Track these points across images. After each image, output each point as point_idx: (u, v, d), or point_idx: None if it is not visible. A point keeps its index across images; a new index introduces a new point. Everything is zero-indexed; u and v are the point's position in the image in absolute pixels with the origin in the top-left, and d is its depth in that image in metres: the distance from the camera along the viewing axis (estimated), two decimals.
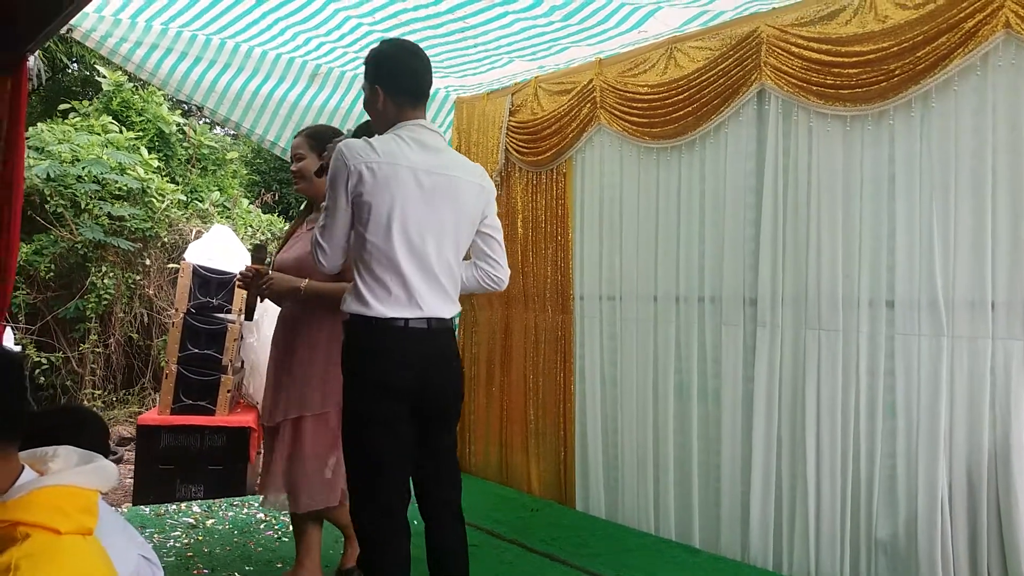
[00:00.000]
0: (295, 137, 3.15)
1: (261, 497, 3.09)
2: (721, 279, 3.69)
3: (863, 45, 3.13)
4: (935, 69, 2.95)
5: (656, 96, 3.91)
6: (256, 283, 2.98)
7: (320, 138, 2.98)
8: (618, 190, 4.20)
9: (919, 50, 2.97)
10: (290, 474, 2.97)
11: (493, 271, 2.58)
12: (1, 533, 1.21)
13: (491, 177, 4.78)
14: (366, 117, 2.64)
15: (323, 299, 2.90)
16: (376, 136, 2.45)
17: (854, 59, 3.15)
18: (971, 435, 2.90)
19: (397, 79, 2.50)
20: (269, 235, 8.27)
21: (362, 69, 2.56)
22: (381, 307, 2.34)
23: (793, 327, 3.42)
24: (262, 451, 5.84)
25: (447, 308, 2.43)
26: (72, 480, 1.29)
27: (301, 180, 3.10)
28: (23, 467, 1.30)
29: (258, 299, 3.05)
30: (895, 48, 3.03)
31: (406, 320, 2.36)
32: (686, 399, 3.83)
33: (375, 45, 2.59)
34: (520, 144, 4.69)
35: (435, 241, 2.39)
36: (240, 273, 3.05)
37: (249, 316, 3.06)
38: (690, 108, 3.76)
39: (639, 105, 4.00)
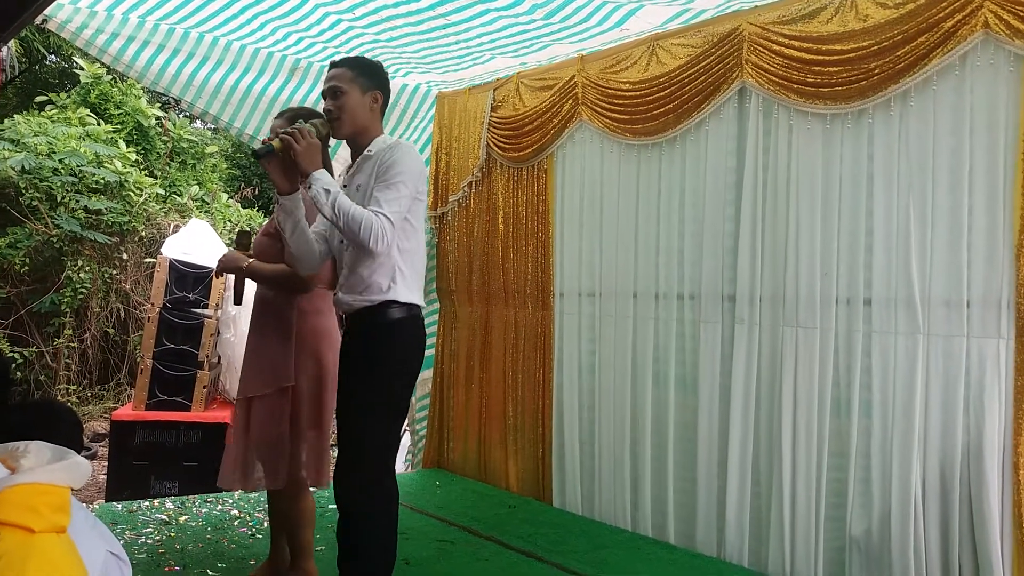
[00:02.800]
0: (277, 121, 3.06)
1: (237, 491, 3.09)
2: (700, 276, 3.70)
3: (844, 44, 3.14)
4: (914, 68, 2.96)
5: (638, 93, 3.91)
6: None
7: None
8: (599, 186, 4.19)
9: (899, 49, 2.99)
10: (245, 453, 2.99)
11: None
12: None
13: (472, 173, 4.84)
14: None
15: (262, 278, 3.01)
16: (406, 142, 2.67)
17: (835, 57, 3.16)
18: (945, 433, 2.92)
19: (388, 87, 2.77)
20: (248, 229, 8.20)
21: None
22: (419, 296, 2.67)
23: (771, 324, 3.43)
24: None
25: None
26: (45, 477, 1.27)
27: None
28: None
29: (243, 283, 3.10)
30: (875, 47, 3.05)
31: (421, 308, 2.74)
32: (664, 396, 3.83)
33: (362, 53, 2.72)
34: (501, 140, 4.68)
35: None
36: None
37: (237, 300, 3.13)
38: (671, 105, 3.76)
39: (621, 102, 4.00)
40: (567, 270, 4.36)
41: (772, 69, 3.36)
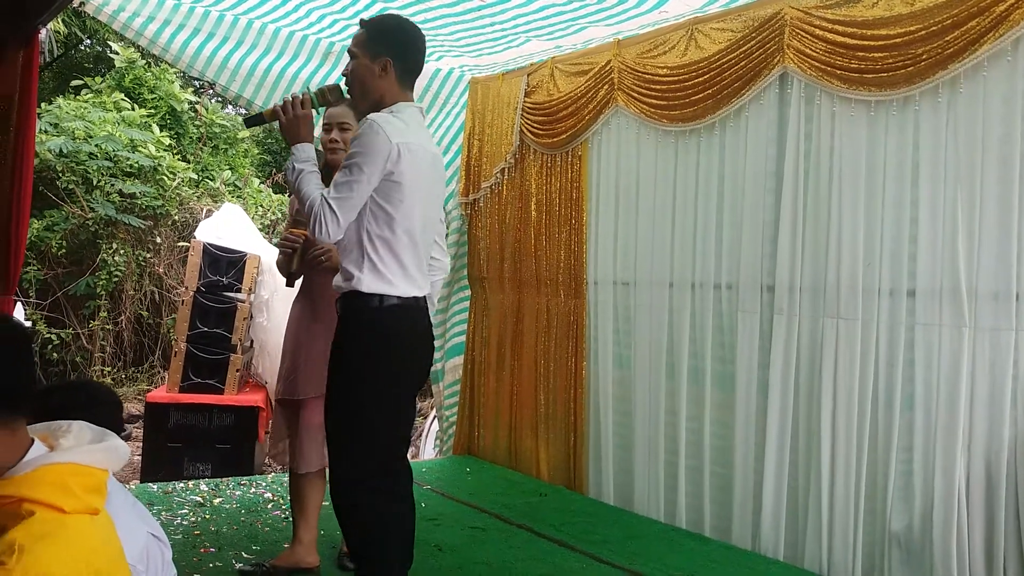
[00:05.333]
0: (328, 107, 2.96)
1: (269, 472, 3.10)
2: (738, 265, 3.63)
3: (889, 29, 3.05)
4: (964, 54, 2.87)
5: (675, 78, 3.84)
6: (306, 250, 2.97)
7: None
8: (634, 174, 4.14)
9: (948, 34, 2.90)
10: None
11: (441, 256, 2.82)
12: (6, 509, 1.17)
13: (505, 159, 4.80)
14: None
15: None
16: (388, 113, 2.42)
17: (880, 43, 3.08)
18: (991, 429, 2.85)
19: (409, 54, 2.50)
20: (280, 215, 8.24)
21: None
22: (401, 286, 2.41)
23: (811, 315, 3.36)
24: (271, 430, 5.87)
25: (427, 289, 2.57)
26: (81, 458, 1.26)
27: (341, 151, 2.98)
28: (32, 441, 1.26)
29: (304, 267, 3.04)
30: (923, 32, 2.96)
31: (416, 299, 2.46)
32: (700, 387, 3.78)
33: (376, 16, 2.55)
34: (535, 126, 4.63)
35: (430, 226, 2.55)
36: (285, 237, 3.04)
37: (291, 283, 3.07)
38: (710, 91, 3.69)
39: (658, 87, 3.93)
40: (601, 258, 4.31)
41: (814, 54, 3.28)
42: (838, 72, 3.21)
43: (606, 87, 4.19)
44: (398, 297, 2.39)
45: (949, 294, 2.95)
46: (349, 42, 4.39)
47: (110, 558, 1.23)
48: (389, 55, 2.43)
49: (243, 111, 9.33)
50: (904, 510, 3.06)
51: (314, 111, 2.57)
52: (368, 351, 2.38)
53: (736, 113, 3.65)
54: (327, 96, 2.57)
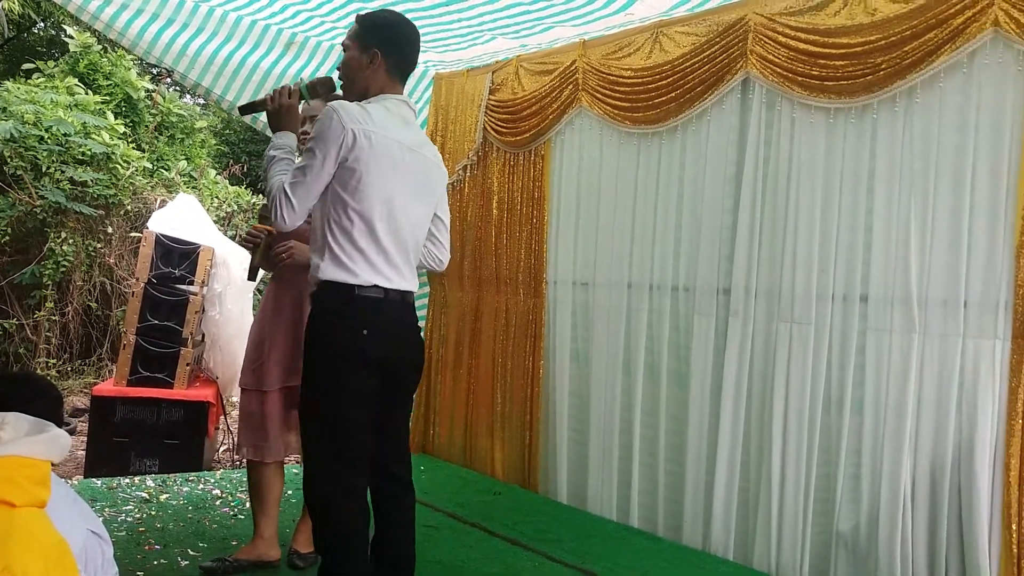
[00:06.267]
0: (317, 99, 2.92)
1: (218, 468, 3.06)
2: (696, 268, 3.67)
3: (851, 37, 3.11)
4: (921, 64, 2.94)
5: (639, 80, 3.87)
6: (268, 246, 2.96)
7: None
8: (596, 174, 4.16)
9: (906, 44, 2.96)
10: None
11: (439, 252, 2.67)
12: None
13: (468, 156, 4.79)
14: None
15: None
16: (358, 103, 2.40)
17: (841, 51, 3.13)
18: (937, 433, 2.91)
19: (400, 48, 2.51)
20: (236, 207, 8.10)
21: (339, 39, 2.49)
22: (364, 275, 2.34)
23: (766, 319, 3.41)
24: (221, 426, 5.75)
25: (414, 283, 2.49)
26: (24, 450, 1.23)
27: None
28: None
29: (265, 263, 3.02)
30: (882, 42, 3.01)
31: (385, 290, 2.39)
32: (655, 387, 3.81)
33: (370, 9, 2.53)
34: (499, 124, 4.62)
35: (409, 218, 2.44)
36: (248, 233, 3.02)
37: (252, 277, 3.06)
38: (673, 94, 3.72)
39: (622, 89, 3.95)
40: (561, 258, 4.32)
41: (777, 61, 3.32)
42: (799, 79, 3.26)
43: (570, 87, 4.20)
44: (361, 286, 2.33)
45: (900, 301, 3.01)
46: (312, 33, 4.34)
47: (60, 550, 1.21)
48: (378, 47, 2.44)
49: (201, 100, 9.17)
50: (852, 511, 3.11)
51: (304, 103, 2.59)
52: (332, 341, 2.34)
53: (698, 117, 3.68)
54: (318, 89, 2.59)
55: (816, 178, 3.25)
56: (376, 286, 2.35)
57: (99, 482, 4.22)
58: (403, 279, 2.42)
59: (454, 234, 4.90)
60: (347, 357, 2.33)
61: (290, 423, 3.05)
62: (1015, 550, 2.68)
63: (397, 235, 2.40)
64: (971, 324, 2.85)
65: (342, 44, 2.54)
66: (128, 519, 3.61)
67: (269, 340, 3.07)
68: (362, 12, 2.57)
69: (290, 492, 3.91)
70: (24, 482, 1.20)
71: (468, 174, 4.85)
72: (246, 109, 2.71)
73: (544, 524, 3.81)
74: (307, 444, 2.42)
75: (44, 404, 1.57)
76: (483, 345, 4.73)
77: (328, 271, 2.33)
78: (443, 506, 3.98)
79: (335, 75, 2.56)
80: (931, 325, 2.94)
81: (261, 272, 3.10)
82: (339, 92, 2.59)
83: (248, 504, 3.39)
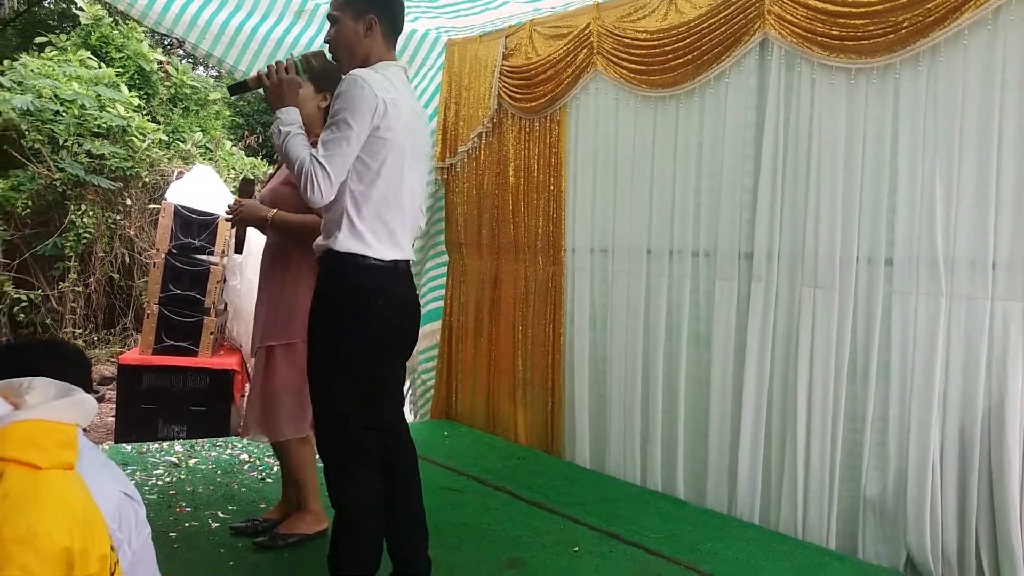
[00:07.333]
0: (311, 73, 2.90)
1: (245, 434, 3.11)
2: (717, 233, 3.64)
3: None
4: (945, 22, 2.88)
5: (655, 43, 3.81)
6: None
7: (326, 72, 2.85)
8: (613, 139, 4.12)
9: (929, 2, 2.89)
10: (264, 404, 3.00)
11: (421, 220, 2.72)
12: None
13: (483, 123, 4.76)
14: None
15: (290, 229, 2.95)
16: (371, 70, 2.38)
17: (862, 9, 3.07)
18: (965, 396, 2.89)
19: (392, 12, 2.50)
20: (253, 178, 8.11)
21: None
22: (382, 248, 2.38)
23: (789, 283, 3.39)
24: (245, 394, 5.84)
25: (410, 253, 2.53)
26: (49, 414, 1.25)
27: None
28: None
29: (246, 231, 3.07)
30: None
31: (398, 262, 2.43)
32: (676, 353, 3.80)
33: None
34: (513, 89, 4.58)
35: (414, 187, 2.48)
36: (229, 207, 3.07)
37: (238, 249, 3.09)
38: (690, 56, 3.67)
39: (637, 52, 3.90)
40: (579, 225, 4.30)
41: (795, 20, 3.27)
42: (819, 39, 3.21)
43: (585, 51, 4.15)
44: (375, 259, 2.36)
45: (927, 263, 2.98)
46: (320, 0, 4.26)
47: (88, 512, 1.22)
48: (373, 12, 2.41)
49: (214, 72, 9.14)
50: (879, 476, 3.11)
51: (298, 77, 2.55)
52: (339, 312, 2.36)
53: (716, 79, 3.63)
54: (311, 62, 2.56)
55: (838, 140, 3.21)
56: (391, 260, 2.39)
57: (129, 447, 4.32)
58: (408, 249, 2.48)
59: (470, 203, 4.93)
60: (364, 325, 2.35)
61: None
62: None
63: (411, 205, 2.45)
64: (999, 286, 2.82)
65: (328, 16, 2.47)
66: (159, 483, 3.70)
67: (256, 307, 3.13)
68: None
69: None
70: (49, 445, 1.22)
71: (483, 141, 4.82)
72: (236, 88, 2.66)
73: (568, 488, 3.85)
74: (317, 411, 2.46)
75: (72, 370, 1.59)
76: (503, 313, 4.74)
77: (345, 242, 2.33)
78: (467, 470, 4.03)
79: (325, 48, 2.53)
80: (958, 287, 2.92)
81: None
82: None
83: (276, 468, 3.45)
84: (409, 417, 5.51)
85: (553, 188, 4.42)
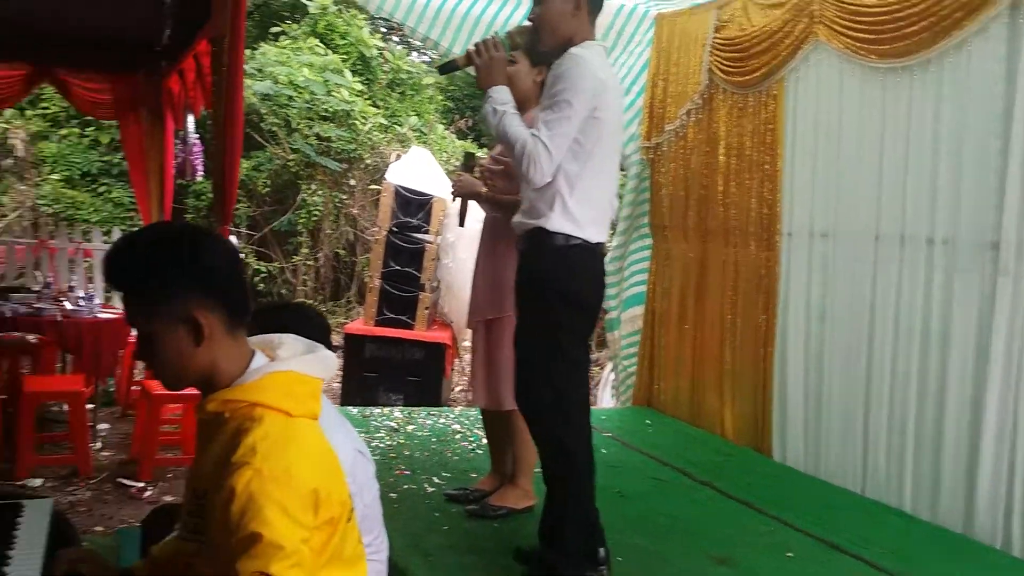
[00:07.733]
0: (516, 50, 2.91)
1: (457, 408, 3.27)
2: (957, 219, 3.26)
3: None
4: None
5: (885, 8, 3.46)
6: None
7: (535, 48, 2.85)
8: (837, 114, 3.80)
9: None
10: (487, 375, 3.12)
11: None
12: (240, 413, 1.28)
13: (692, 100, 4.60)
14: None
15: (501, 206, 3.03)
16: (586, 50, 2.39)
17: None
18: None
19: None
20: (473, 152, 8.42)
21: None
22: (591, 229, 2.42)
23: None
24: (455, 367, 6.14)
25: (606, 235, 2.61)
26: (299, 367, 1.35)
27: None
28: (254, 352, 1.37)
29: (467, 205, 3.22)
30: None
31: (600, 244, 2.50)
32: (906, 352, 3.46)
33: None
34: (725, 63, 4.38)
35: (617, 169, 2.57)
36: (454, 183, 3.25)
37: (461, 222, 3.25)
38: (926, 22, 3.29)
39: (865, 19, 3.57)
40: (797, 207, 4.03)
41: None
42: None
43: (805, 20, 3.87)
44: (583, 239, 2.39)
45: None
46: None
47: (331, 460, 1.32)
48: None
49: (428, 57, 9.53)
50: None
51: (508, 54, 2.57)
52: (546, 290, 2.41)
53: (957, 48, 3.24)
54: (515, 39, 2.57)
55: None
56: (596, 242, 2.45)
57: (355, 410, 4.67)
58: (607, 231, 2.55)
59: (677, 184, 4.80)
60: (580, 305, 2.44)
61: None
62: None
63: (610, 187, 2.50)
64: None
65: None
66: (380, 445, 3.95)
67: (472, 282, 3.28)
68: None
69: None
70: (300, 395, 1.32)
71: (692, 119, 4.65)
72: (446, 68, 2.72)
73: (780, 490, 3.66)
74: (527, 380, 2.51)
75: (316, 330, 1.76)
76: (709, 300, 4.56)
77: (557, 222, 2.37)
78: (671, 461, 3.95)
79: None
80: None
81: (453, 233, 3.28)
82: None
83: (484, 440, 3.58)
84: (611, 402, 5.53)
85: (768, 167, 4.18)
